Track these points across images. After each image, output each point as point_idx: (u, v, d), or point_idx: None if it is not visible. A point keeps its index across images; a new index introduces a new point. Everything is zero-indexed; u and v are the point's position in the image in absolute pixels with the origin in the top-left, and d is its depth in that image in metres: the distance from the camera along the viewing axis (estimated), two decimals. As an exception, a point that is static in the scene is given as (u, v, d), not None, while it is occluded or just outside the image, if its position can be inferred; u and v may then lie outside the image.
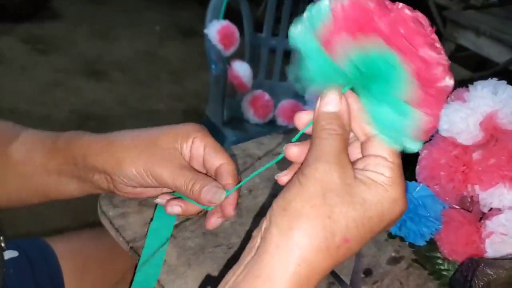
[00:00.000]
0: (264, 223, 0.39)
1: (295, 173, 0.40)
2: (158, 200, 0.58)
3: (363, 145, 0.41)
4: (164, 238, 0.58)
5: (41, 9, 2.98)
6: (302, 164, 0.40)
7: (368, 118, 0.40)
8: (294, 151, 0.42)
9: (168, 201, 0.56)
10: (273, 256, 0.37)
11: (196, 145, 0.53)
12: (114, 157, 0.51)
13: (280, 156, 0.45)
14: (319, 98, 0.41)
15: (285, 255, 0.36)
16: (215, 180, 0.53)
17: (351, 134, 0.42)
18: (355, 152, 0.42)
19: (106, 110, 2.35)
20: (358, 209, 0.37)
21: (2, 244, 0.62)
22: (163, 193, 0.58)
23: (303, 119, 0.43)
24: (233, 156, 0.76)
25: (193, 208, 0.55)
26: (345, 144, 0.40)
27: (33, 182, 0.57)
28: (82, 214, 1.63)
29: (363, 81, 0.39)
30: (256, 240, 0.39)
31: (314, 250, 0.36)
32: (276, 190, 0.70)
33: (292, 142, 0.43)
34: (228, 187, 0.52)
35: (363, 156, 0.41)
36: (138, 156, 0.51)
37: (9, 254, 0.73)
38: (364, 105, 0.40)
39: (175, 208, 0.54)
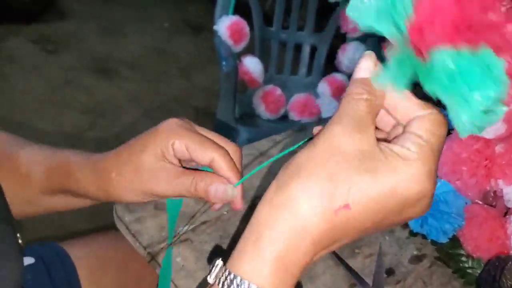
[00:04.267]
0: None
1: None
2: None
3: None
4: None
5: (48, 8, 2.98)
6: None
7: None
8: None
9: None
10: (264, 212, 0.35)
11: (177, 148, 0.49)
12: (110, 194, 0.51)
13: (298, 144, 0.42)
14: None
15: (276, 211, 0.34)
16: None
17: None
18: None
19: (117, 108, 2.34)
20: (366, 176, 0.34)
21: (20, 241, 0.57)
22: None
23: None
24: (247, 156, 0.74)
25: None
26: (370, 109, 0.37)
27: (38, 199, 0.57)
28: (98, 217, 1.63)
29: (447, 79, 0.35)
30: None
31: (308, 208, 0.34)
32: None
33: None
34: (231, 181, 0.49)
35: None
36: (131, 187, 0.50)
37: (26, 261, 0.73)
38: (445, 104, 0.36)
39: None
